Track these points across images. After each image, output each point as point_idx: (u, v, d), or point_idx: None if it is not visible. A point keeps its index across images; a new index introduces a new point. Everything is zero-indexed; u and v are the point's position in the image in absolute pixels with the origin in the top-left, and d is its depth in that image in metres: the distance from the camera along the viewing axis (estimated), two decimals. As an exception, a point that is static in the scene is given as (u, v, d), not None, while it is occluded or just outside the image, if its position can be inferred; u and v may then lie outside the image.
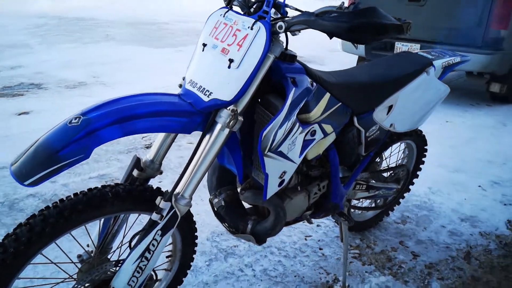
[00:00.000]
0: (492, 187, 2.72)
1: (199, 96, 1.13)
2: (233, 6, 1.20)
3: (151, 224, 1.14)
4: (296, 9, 1.11)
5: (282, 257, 1.95)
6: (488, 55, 4.17)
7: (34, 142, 0.99)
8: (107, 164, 2.79)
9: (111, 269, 1.24)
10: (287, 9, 1.12)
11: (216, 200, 1.50)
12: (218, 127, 1.12)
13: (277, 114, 1.14)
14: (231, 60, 1.09)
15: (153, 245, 1.15)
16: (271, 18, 1.07)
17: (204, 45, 1.19)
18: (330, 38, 1.01)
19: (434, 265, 1.96)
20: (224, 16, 1.17)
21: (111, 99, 1.06)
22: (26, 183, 0.91)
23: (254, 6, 1.13)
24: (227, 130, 1.12)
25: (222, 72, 1.11)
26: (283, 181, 1.31)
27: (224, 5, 1.22)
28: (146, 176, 1.28)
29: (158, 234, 1.15)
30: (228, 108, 1.10)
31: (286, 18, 1.05)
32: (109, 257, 1.32)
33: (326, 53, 7.07)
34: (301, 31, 1.08)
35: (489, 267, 1.96)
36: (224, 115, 1.10)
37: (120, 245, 1.31)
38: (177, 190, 1.15)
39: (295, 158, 1.30)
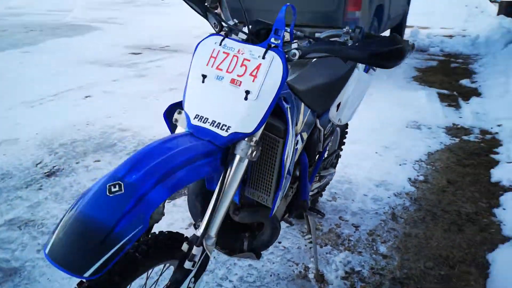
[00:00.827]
0: (385, 151, 3.20)
1: (216, 132, 1.08)
2: (227, 33, 1.15)
3: (185, 273, 1.07)
4: (306, 36, 1.13)
5: (250, 260, 2.00)
6: (348, 34, 4.73)
7: (65, 222, 0.83)
8: (10, 205, 2.37)
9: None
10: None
11: None
12: (237, 159, 1.10)
13: (287, 136, 1.17)
14: (247, 92, 1.06)
15: None
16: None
17: (204, 76, 1.12)
18: (345, 60, 1.07)
19: (374, 231, 2.26)
20: (221, 45, 1.12)
21: (140, 153, 0.95)
22: (86, 275, 0.77)
23: (254, 33, 1.11)
24: (246, 161, 1.11)
25: (238, 104, 1.07)
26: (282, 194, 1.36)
27: (215, 32, 1.17)
28: (153, 222, 1.18)
29: (191, 282, 1.09)
30: (246, 139, 1.09)
31: (297, 45, 1.07)
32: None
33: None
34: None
35: (413, 222, 2.35)
36: (244, 147, 1.08)
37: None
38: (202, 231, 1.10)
39: (291, 171, 1.35)
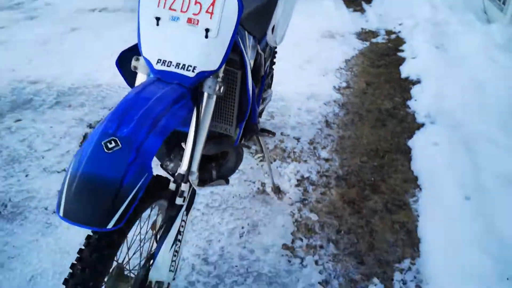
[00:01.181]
0: (308, 65, 3.38)
1: (182, 73, 1.10)
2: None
3: (177, 209, 1.15)
4: None
5: (213, 188, 2.13)
6: None
7: (70, 181, 0.84)
8: None
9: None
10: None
11: (172, 164, 1.52)
12: (206, 96, 1.14)
13: (246, 66, 1.23)
14: (207, 30, 1.08)
15: (182, 226, 1.19)
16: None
17: (158, 18, 1.10)
18: None
19: (313, 140, 2.49)
20: None
21: (121, 107, 0.95)
22: (110, 226, 0.82)
23: None
24: (214, 97, 1.16)
25: (199, 43, 1.09)
26: None
27: None
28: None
29: (184, 215, 1.18)
30: (212, 76, 1.13)
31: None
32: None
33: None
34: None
35: (344, 125, 2.62)
36: (211, 84, 1.13)
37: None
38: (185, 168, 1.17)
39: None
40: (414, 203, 1.99)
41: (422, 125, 2.54)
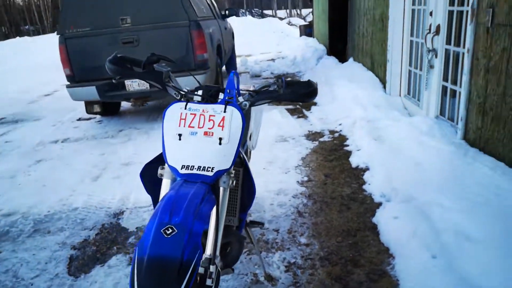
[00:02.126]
0: (271, 166, 3.77)
1: (204, 174, 1.38)
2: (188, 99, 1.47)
3: None
4: (247, 91, 1.51)
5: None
6: (202, 74, 5.28)
7: (138, 264, 1.03)
8: None
9: None
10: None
11: None
12: (222, 190, 1.42)
13: (247, 166, 1.54)
14: (221, 139, 1.40)
15: None
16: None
17: (180, 135, 1.42)
18: (279, 102, 1.49)
19: (291, 229, 2.75)
20: (186, 108, 1.44)
21: (168, 203, 1.19)
22: None
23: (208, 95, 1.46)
24: (228, 190, 1.44)
25: (215, 149, 1.40)
26: None
27: (177, 99, 1.47)
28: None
29: None
30: (226, 174, 1.42)
31: (247, 99, 1.47)
32: None
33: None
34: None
35: (314, 213, 2.93)
36: (226, 180, 1.42)
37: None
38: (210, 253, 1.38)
39: None
40: (391, 270, 2.25)
41: (380, 204, 2.93)
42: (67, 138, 5.41)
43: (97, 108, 5.97)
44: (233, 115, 1.43)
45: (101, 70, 5.27)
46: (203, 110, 1.44)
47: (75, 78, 5.34)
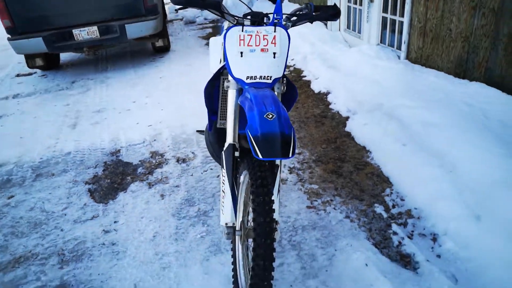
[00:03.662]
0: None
1: (265, 82, 1.76)
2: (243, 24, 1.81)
3: None
4: (289, 14, 1.87)
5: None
6: (153, 20, 5.34)
7: (255, 140, 1.41)
8: None
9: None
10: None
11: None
12: (276, 94, 1.82)
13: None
14: (274, 53, 1.78)
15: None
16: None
17: (241, 52, 1.76)
18: (312, 22, 1.89)
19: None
20: (243, 31, 1.77)
21: (256, 99, 1.56)
22: (290, 155, 1.41)
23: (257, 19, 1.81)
24: (280, 94, 1.85)
25: (270, 62, 1.77)
26: None
27: (234, 24, 1.79)
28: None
29: None
30: (279, 81, 1.82)
31: (289, 20, 1.84)
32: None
33: None
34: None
35: (296, 131, 3.45)
36: (279, 85, 1.81)
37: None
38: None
39: None
40: (371, 160, 2.88)
41: (348, 117, 3.52)
42: (17, 94, 5.23)
43: (39, 62, 5.75)
44: (281, 34, 1.80)
45: (47, 20, 5.09)
46: (257, 32, 1.78)
47: (18, 30, 5.08)
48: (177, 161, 3.20)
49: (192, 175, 2.98)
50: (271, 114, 1.50)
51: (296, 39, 5.50)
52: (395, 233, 2.18)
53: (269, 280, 1.49)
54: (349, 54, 4.46)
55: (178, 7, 1.80)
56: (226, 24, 2.79)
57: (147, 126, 3.87)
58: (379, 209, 2.38)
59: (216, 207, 2.55)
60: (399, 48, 4.03)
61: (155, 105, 4.35)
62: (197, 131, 3.06)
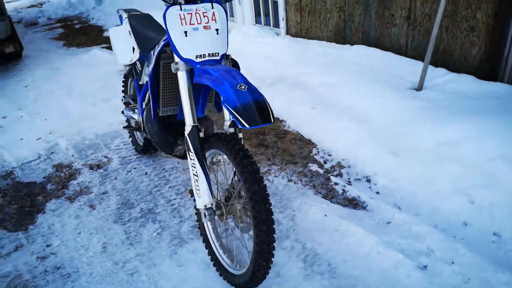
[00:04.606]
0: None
1: (214, 59, 1.75)
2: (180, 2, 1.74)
3: None
4: None
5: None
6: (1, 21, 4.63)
7: (236, 110, 1.43)
8: None
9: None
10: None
11: (181, 147, 2.11)
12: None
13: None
14: (217, 30, 1.78)
15: None
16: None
17: (185, 32, 1.72)
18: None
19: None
20: (182, 10, 1.72)
21: (217, 71, 1.55)
22: (272, 121, 1.47)
23: None
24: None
25: (215, 38, 1.76)
26: None
27: (170, 4, 1.72)
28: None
29: None
30: (225, 57, 1.84)
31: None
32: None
33: None
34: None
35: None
36: (225, 62, 1.83)
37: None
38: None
39: None
40: (289, 128, 3.11)
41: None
42: None
43: None
44: (219, 10, 1.81)
45: None
46: (196, 10, 1.75)
47: None
48: (91, 168, 2.94)
49: (116, 178, 2.78)
50: (243, 86, 1.54)
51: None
52: (336, 184, 2.44)
53: (273, 243, 1.56)
54: (231, 36, 4.61)
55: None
56: (124, 14, 2.64)
57: (35, 140, 3.42)
58: (314, 167, 2.62)
59: (159, 203, 2.46)
60: (276, 26, 4.34)
61: (35, 116, 3.85)
62: (125, 127, 2.84)
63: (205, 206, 1.77)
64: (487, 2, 2.40)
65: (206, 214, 1.77)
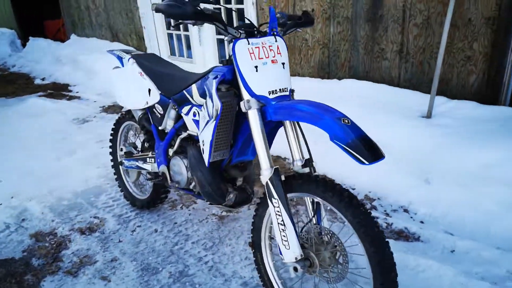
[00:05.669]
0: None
1: (284, 94, 1.59)
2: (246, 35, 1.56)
3: None
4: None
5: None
6: None
7: (349, 146, 1.29)
8: None
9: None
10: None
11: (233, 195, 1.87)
12: None
13: None
14: (283, 64, 1.63)
15: None
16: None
17: (256, 67, 1.54)
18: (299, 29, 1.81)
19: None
20: (249, 44, 1.55)
21: (310, 104, 1.40)
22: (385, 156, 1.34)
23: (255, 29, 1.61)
24: None
25: (283, 73, 1.60)
26: None
27: (237, 38, 1.54)
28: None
29: None
30: (291, 92, 1.68)
31: (281, 29, 1.72)
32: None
33: None
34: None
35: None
36: (292, 97, 1.69)
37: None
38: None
39: None
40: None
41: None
42: None
43: None
44: (282, 43, 1.67)
45: None
46: (262, 43, 1.60)
47: None
48: (83, 233, 2.49)
49: (120, 241, 2.38)
50: (346, 119, 1.41)
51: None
52: (376, 218, 2.35)
53: None
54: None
55: (173, 22, 1.45)
56: (124, 54, 2.37)
57: (-6, 207, 2.83)
58: (344, 203, 2.51)
59: (189, 263, 2.14)
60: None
61: (-16, 180, 3.22)
62: (148, 179, 2.35)
63: (296, 258, 1.55)
64: (483, 34, 2.61)
65: (299, 267, 1.54)
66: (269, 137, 1.80)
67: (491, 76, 2.67)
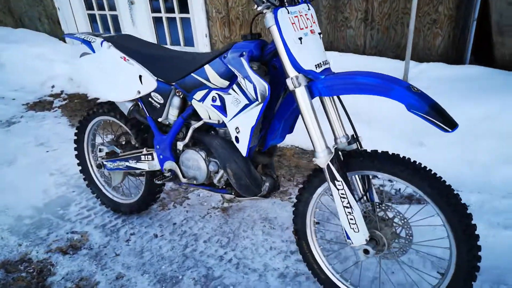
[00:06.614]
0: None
1: (328, 67, 1.45)
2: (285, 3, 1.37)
3: None
4: None
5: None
6: None
7: (428, 114, 1.21)
8: None
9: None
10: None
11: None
12: None
13: None
14: (320, 33, 1.47)
15: None
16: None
17: (300, 38, 1.36)
18: None
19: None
20: (289, 13, 1.36)
21: (372, 74, 1.29)
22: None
23: None
24: None
25: (321, 43, 1.45)
26: None
27: (278, 6, 1.34)
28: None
29: None
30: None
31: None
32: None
33: None
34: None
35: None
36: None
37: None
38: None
39: None
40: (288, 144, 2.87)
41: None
42: None
43: None
44: (313, 12, 1.51)
45: None
46: (299, 11, 1.42)
47: None
48: (65, 253, 2.12)
49: (117, 254, 2.07)
50: (415, 87, 1.33)
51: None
52: (382, 186, 2.37)
53: None
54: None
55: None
56: (94, 38, 1.99)
57: None
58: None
59: (210, 264, 1.94)
60: (189, 45, 4.00)
61: None
62: (160, 180, 1.98)
63: (366, 240, 1.47)
64: (448, -3, 2.72)
65: (370, 249, 1.46)
66: (290, 121, 1.68)
67: (456, 37, 2.81)
